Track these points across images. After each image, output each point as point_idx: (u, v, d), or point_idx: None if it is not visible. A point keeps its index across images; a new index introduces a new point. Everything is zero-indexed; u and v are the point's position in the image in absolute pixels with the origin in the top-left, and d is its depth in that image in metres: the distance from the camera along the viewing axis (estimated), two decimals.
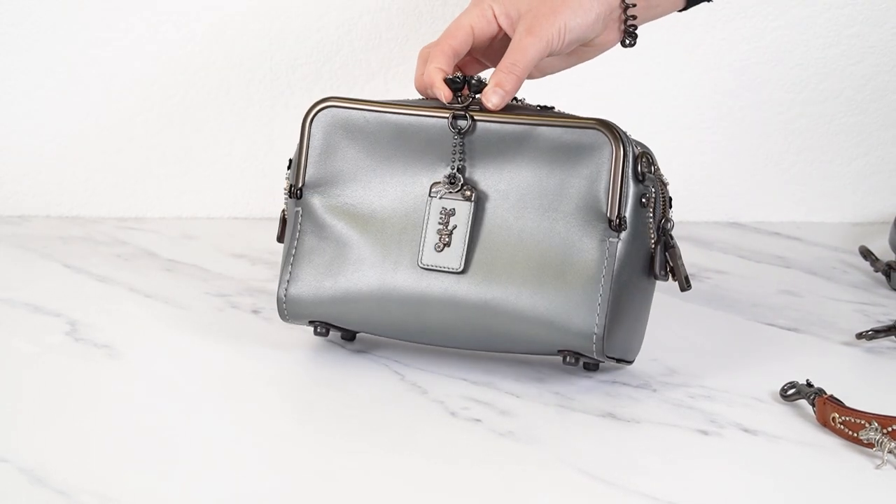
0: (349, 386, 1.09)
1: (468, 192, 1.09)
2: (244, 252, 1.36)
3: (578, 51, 1.15)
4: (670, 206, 1.09)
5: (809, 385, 1.06)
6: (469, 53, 1.13)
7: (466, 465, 0.97)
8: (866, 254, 1.36)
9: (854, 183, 1.51)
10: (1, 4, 1.39)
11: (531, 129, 1.07)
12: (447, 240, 1.09)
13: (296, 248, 1.11)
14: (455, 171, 1.09)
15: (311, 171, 1.12)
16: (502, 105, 1.08)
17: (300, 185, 1.11)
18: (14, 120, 1.42)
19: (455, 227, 1.09)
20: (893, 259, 1.35)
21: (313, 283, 1.11)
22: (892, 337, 1.19)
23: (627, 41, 1.14)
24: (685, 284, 1.09)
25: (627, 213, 1.06)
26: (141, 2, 1.40)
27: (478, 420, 1.04)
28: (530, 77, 1.14)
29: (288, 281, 1.11)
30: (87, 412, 1.03)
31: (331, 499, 0.93)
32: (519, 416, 1.05)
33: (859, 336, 1.19)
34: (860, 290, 1.32)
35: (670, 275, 1.09)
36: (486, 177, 1.09)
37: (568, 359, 1.07)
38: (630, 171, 1.06)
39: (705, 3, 1.17)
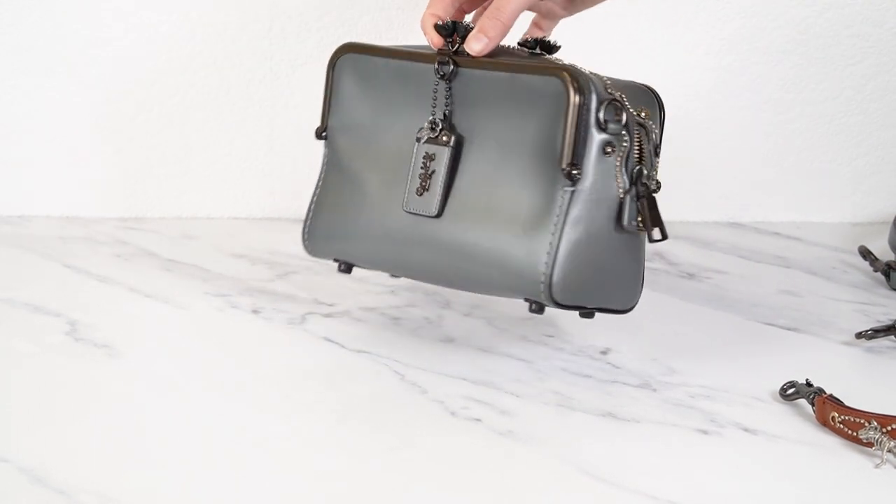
0: (349, 386, 1.09)
1: (445, 138, 1.11)
2: (244, 252, 1.36)
3: (554, 20, 1.15)
4: (656, 155, 1.07)
5: (809, 384, 1.06)
6: None
7: (466, 464, 0.97)
8: (866, 254, 1.36)
9: (854, 183, 1.51)
10: (1, 4, 1.39)
11: (506, 76, 1.08)
12: (427, 184, 1.11)
13: (319, 187, 1.18)
14: (437, 116, 1.11)
15: (332, 115, 1.17)
16: (485, 51, 1.09)
17: (324, 127, 1.17)
18: (14, 120, 1.42)
19: (434, 171, 1.11)
20: (893, 259, 1.35)
21: (328, 220, 1.16)
22: (892, 336, 1.19)
23: None
24: (652, 236, 1.06)
25: (588, 162, 1.05)
26: (141, 2, 1.40)
27: (478, 420, 1.04)
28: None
29: (310, 218, 1.17)
30: (87, 412, 1.03)
31: (331, 499, 0.93)
32: (519, 415, 1.05)
33: (859, 336, 1.19)
34: (860, 289, 1.32)
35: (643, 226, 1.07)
36: (467, 122, 1.11)
37: (532, 306, 1.07)
38: (591, 119, 1.04)
39: None
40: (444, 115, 1.11)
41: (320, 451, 0.99)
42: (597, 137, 1.05)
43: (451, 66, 1.10)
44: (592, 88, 1.05)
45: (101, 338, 1.15)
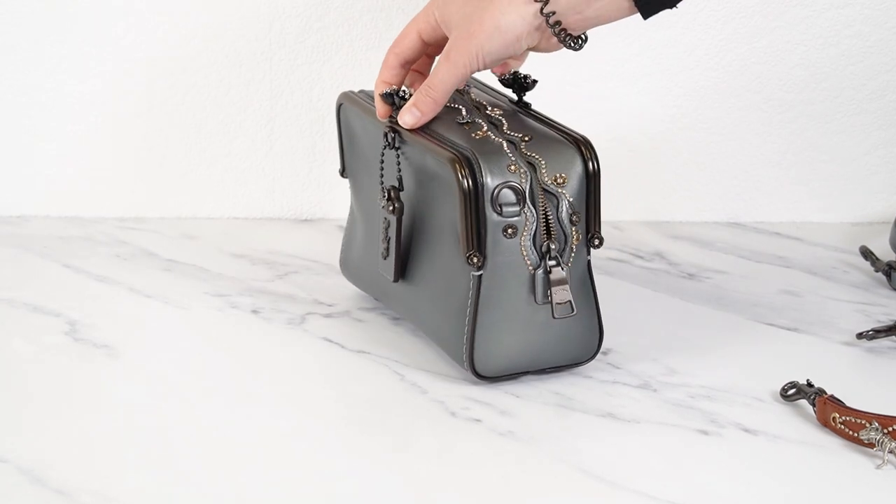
0: (349, 386, 1.09)
1: (391, 207, 1.10)
2: (244, 252, 1.36)
3: (524, 54, 1.13)
4: (573, 222, 1.05)
5: (810, 385, 1.06)
6: (435, 55, 1.13)
7: (466, 465, 0.97)
8: (866, 254, 1.36)
9: (854, 183, 1.51)
10: (1, 4, 1.39)
11: (423, 153, 1.08)
12: (388, 248, 1.12)
13: (348, 219, 1.23)
14: (388, 184, 1.11)
15: (346, 157, 1.20)
16: (416, 125, 1.08)
17: (342, 168, 1.21)
18: (14, 120, 1.42)
19: (390, 238, 1.12)
20: (894, 259, 1.35)
21: (346, 251, 1.22)
22: (893, 337, 1.19)
23: (572, 45, 1.08)
24: (553, 314, 1.05)
25: (489, 247, 1.04)
26: (141, 2, 1.40)
27: (478, 420, 1.04)
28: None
29: (342, 250, 1.24)
30: (87, 412, 1.03)
31: (331, 498, 0.93)
32: (519, 416, 1.05)
33: (859, 336, 1.19)
34: (860, 290, 1.32)
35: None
36: (418, 189, 1.10)
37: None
38: (486, 203, 1.03)
39: (668, 10, 1.10)
40: (398, 180, 1.10)
41: (320, 452, 0.99)
42: (496, 221, 1.04)
43: (394, 135, 1.09)
44: (486, 172, 1.03)
45: (101, 338, 1.15)
